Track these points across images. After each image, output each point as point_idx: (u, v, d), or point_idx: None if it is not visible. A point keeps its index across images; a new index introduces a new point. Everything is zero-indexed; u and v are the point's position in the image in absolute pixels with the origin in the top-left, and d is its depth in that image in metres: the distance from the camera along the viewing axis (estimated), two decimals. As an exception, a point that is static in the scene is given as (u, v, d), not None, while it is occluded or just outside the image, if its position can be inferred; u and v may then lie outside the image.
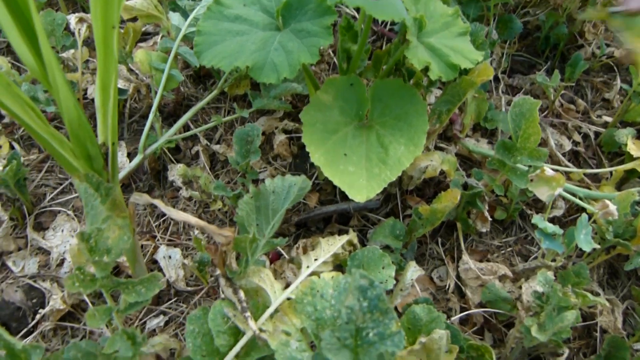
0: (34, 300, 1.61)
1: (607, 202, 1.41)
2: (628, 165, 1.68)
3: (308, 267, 1.29)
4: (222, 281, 1.28)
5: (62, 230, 1.74)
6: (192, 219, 1.11)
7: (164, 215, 1.82)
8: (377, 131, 1.42)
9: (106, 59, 1.05)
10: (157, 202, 1.12)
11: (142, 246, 1.72)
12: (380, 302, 0.83)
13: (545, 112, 2.09)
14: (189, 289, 1.65)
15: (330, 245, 1.35)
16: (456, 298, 1.64)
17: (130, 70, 1.97)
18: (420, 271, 1.34)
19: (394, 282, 1.22)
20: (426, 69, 1.32)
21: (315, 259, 1.31)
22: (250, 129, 1.61)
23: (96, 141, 1.16)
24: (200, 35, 1.37)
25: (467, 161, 1.93)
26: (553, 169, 1.65)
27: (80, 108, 1.08)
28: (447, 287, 1.66)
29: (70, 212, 1.78)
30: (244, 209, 1.25)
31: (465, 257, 1.65)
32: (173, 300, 1.64)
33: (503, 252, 1.75)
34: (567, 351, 1.41)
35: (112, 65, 1.06)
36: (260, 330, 1.17)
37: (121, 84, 1.88)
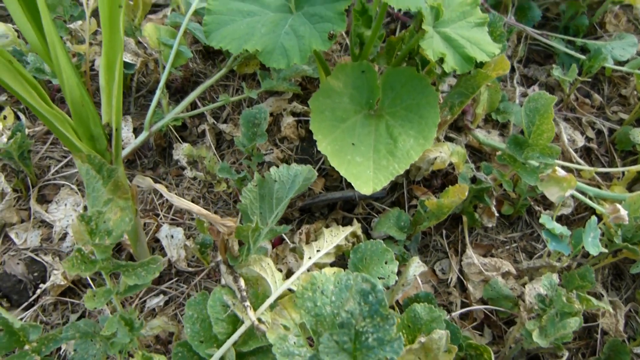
0: (35, 274, 1.60)
1: (619, 206, 1.38)
2: (641, 166, 1.65)
3: (310, 258, 1.28)
4: (222, 268, 1.27)
5: (66, 204, 1.73)
6: (194, 208, 1.09)
7: (168, 193, 1.80)
8: (386, 121, 1.38)
9: (112, 39, 1.01)
10: (160, 187, 1.10)
11: (144, 224, 1.71)
12: (381, 307, 0.81)
13: (559, 106, 2.04)
14: (190, 269, 1.64)
15: (334, 237, 1.33)
16: (457, 292, 1.62)
17: (138, 43, 1.93)
18: (424, 267, 1.33)
19: (396, 278, 1.21)
20: (441, 60, 1.28)
21: (318, 250, 1.30)
22: (258, 112, 1.57)
23: (99, 121, 1.14)
24: (209, 15, 1.33)
25: (477, 153, 1.90)
26: (564, 166, 1.62)
27: (84, 88, 1.06)
28: (449, 280, 1.65)
29: (74, 186, 1.77)
30: (248, 197, 1.23)
31: (469, 251, 1.63)
32: (174, 280, 1.63)
33: (508, 247, 1.73)
34: (566, 353, 1.40)
35: (117, 45, 1.02)
36: (259, 320, 1.16)
37: (129, 58, 1.84)
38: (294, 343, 1.02)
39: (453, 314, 1.55)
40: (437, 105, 1.36)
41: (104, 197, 1.14)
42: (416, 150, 1.32)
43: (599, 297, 1.61)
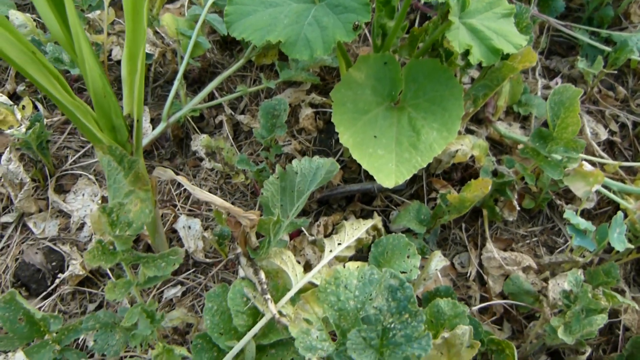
0: (54, 263, 1.61)
1: (646, 201, 1.36)
2: (667, 161, 1.61)
3: (331, 251, 1.26)
4: (242, 260, 1.26)
5: (83, 194, 1.73)
6: (217, 200, 1.08)
7: (185, 184, 1.79)
8: (409, 113, 1.36)
9: (135, 30, 1.00)
10: (182, 179, 1.09)
11: (162, 215, 1.71)
12: (409, 304, 0.80)
13: (582, 98, 2.00)
14: (208, 260, 1.64)
15: (355, 230, 1.32)
16: (477, 286, 1.61)
17: (156, 33, 1.91)
18: (445, 261, 1.31)
19: (418, 272, 1.19)
20: (466, 52, 1.26)
21: (339, 243, 1.28)
22: (277, 103, 1.56)
23: (121, 112, 1.13)
24: (231, 5, 1.31)
25: (497, 145, 1.87)
26: (587, 160, 1.59)
27: (106, 79, 1.05)
28: (468, 274, 1.63)
29: (91, 176, 1.77)
30: (269, 190, 1.22)
31: (489, 245, 1.61)
32: (191, 270, 1.63)
33: (528, 241, 1.71)
34: (589, 350, 1.38)
35: (140, 36, 1.01)
36: (280, 313, 1.15)
37: (147, 48, 1.83)
38: (317, 337, 1.02)
39: (473, 308, 1.53)
40: (461, 98, 1.34)
41: (125, 188, 1.13)
42: (439, 144, 1.30)
43: (621, 292, 1.59)
